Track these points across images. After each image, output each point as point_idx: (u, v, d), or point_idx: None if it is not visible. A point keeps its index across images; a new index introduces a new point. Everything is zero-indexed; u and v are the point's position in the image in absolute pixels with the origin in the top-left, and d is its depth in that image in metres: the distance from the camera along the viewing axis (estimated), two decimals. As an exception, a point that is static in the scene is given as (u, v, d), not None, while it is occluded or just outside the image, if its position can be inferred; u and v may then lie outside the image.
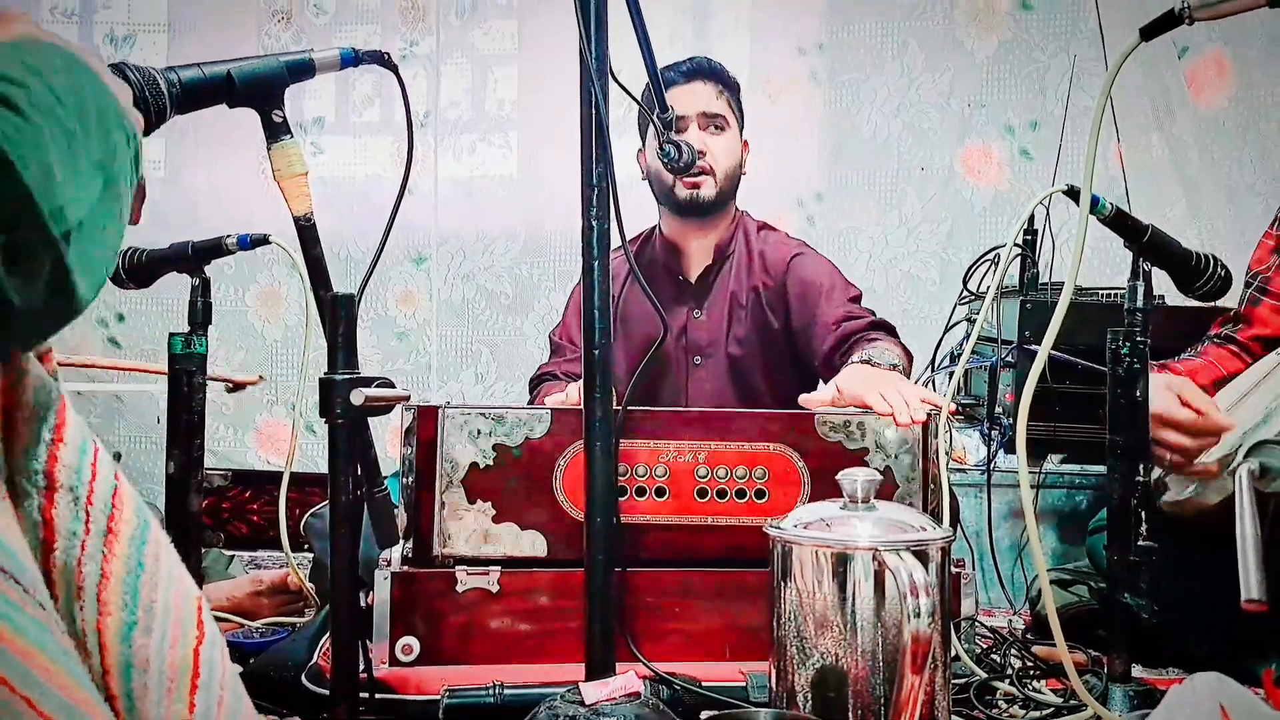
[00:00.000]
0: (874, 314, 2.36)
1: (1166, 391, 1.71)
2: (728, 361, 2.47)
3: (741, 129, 2.51)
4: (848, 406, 1.83)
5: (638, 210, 2.50)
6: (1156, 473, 1.75)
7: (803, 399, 1.92)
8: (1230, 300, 1.82)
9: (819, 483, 1.72)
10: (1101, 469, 1.64)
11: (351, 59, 1.45)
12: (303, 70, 1.41)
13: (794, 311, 2.43)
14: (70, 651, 0.79)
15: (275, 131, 1.38)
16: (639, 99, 1.82)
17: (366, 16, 3.64)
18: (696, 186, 2.40)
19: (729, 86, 2.48)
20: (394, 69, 1.49)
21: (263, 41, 3.59)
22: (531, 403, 2.50)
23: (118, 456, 3.61)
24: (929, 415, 1.74)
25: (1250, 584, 1.32)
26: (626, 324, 2.48)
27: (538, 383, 2.54)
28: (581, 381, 1.53)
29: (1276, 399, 1.70)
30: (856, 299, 2.42)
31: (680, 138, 2.28)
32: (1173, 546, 1.51)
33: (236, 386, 2.35)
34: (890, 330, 2.33)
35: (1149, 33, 1.39)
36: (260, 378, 2.63)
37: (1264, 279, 2.01)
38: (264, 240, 1.86)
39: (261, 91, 1.37)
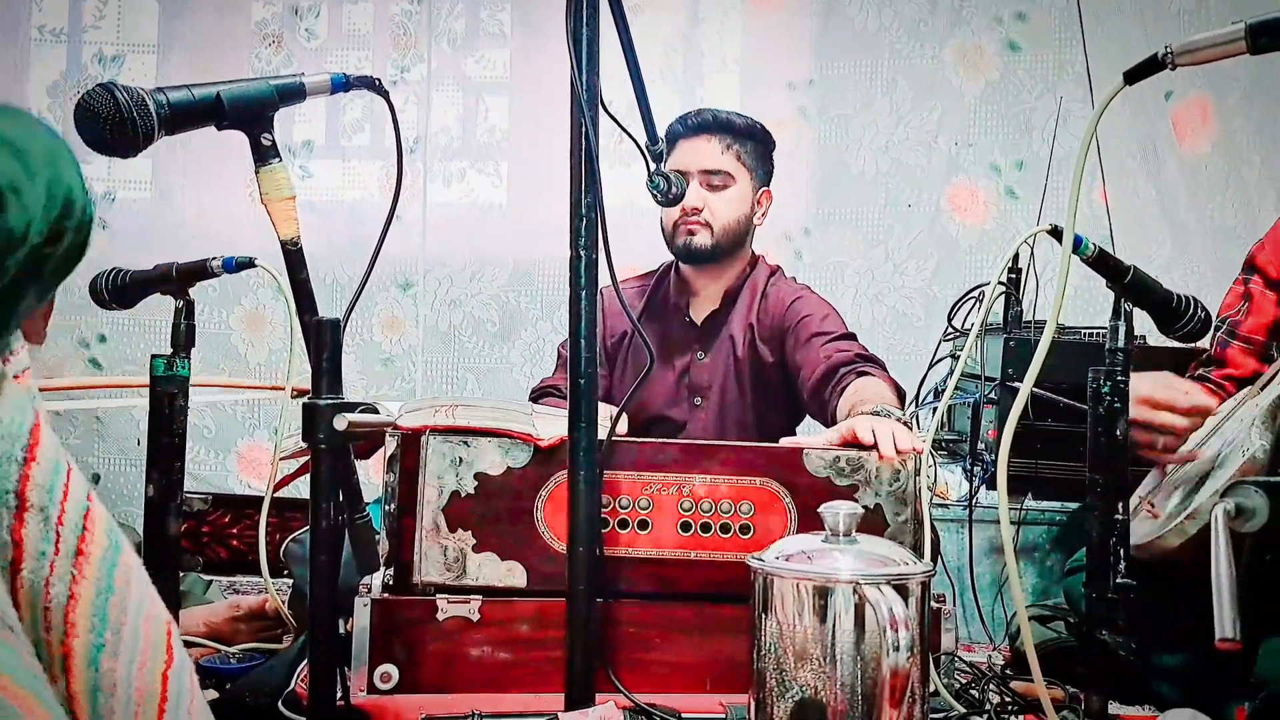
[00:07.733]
0: (865, 349, 2.33)
1: (1165, 377, 1.79)
2: (726, 403, 2.47)
3: (764, 178, 2.50)
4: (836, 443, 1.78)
5: (657, 238, 2.51)
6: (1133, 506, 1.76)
7: (786, 441, 1.82)
8: (1204, 341, 1.85)
9: (806, 518, 1.69)
10: (1083, 506, 1.64)
11: (342, 84, 1.45)
12: (293, 94, 1.42)
13: (787, 346, 2.41)
14: (39, 675, 0.78)
15: (264, 155, 1.39)
16: (630, 131, 1.82)
17: (358, 41, 3.65)
18: (691, 234, 2.41)
19: (741, 136, 2.45)
20: (385, 95, 1.49)
21: (253, 64, 3.60)
22: None
23: (96, 478, 3.58)
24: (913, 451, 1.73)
25: (1224, 623, 1.32)
26: (637, 354, 2.49)
27: (540, 396, 2.53)
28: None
29: (1230, 444, 1.71)
30: (849, 336, 2.39)
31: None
32: (1140, 588, 1.51)
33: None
34: (879, 364, 2.28)
35: (1132, 77, 1.40)
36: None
37: (1233, 323, 2.03)
38: (249, 263, 1.85)
39: (251, 114, 1.38)
